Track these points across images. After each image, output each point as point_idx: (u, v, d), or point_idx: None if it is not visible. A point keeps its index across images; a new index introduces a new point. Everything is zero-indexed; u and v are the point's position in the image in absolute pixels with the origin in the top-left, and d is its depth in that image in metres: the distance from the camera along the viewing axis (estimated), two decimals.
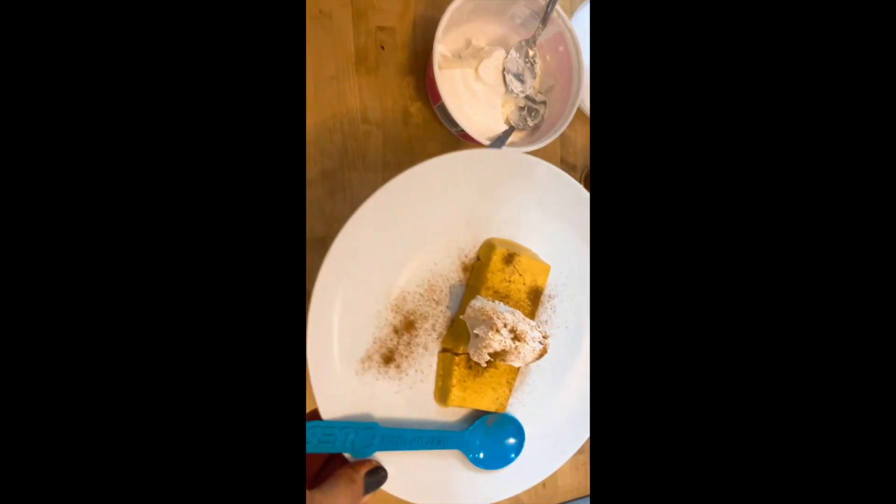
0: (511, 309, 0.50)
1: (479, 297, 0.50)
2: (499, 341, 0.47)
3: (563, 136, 0.76)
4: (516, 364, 0.50)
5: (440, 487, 0.52)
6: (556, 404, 0.58)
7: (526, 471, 0.56)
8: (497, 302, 0.50)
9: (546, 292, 0.58)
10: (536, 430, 0.57)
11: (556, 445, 0.58)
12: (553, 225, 0.57)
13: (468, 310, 0.50)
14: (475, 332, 0.48)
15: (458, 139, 0.71)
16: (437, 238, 0.53)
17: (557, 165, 0.62)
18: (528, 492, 0.60)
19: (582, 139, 0.80)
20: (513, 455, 0.54)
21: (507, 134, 0.68)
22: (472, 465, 0.53)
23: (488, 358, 0.48)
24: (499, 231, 0.56)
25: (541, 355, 0.51)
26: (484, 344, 0.47)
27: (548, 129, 0.70)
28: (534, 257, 0.56)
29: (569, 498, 0.75)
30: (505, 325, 0.48)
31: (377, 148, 0.68)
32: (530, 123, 0.72)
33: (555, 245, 0.58)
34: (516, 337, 0.48)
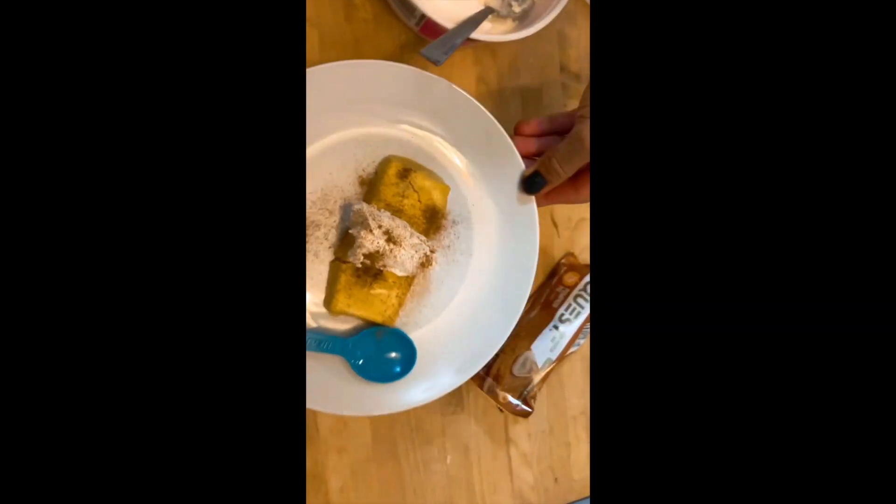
0: (394, 217, 0.51)
1: (363, 202, 0.51)
2: (371, 241, 0.48)
3: (562, 35, 0.60)
4: (398, 272, 0.51)
5: (322, 391, 0.53)
6: (449, 323, 0.58)
7: (419, 389, 0.56)
8: (382, 210, 0.51)
9: (450, 217, 0.58)
10: (434, 350, 0.57)
11: (456, 371, 0.58)
12: (457, 151, 0.58)
13: (351, 213, 0.51)
14: (350, 231, 0.49)
15: (419, 36, 0.57)
16: (334, 146, 0.54)
17: (555, 74, 0.61)
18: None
19: (586, 39, 0.61)
20: (397, 369, 0.55)
21: (481, 16, 0.51)
22: (357, 376, 0.54)
23: (363, 259, 0.49)
24: (401, 149, 0.57)
25: (424, 266, 0.51)
26: (357, 243, 0.49)
27: (537, 18, 0.55)
28: (432, 177, 0.56)
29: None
30: (380, 227, 0.49)
31: (312, 51, 0.55)
32: (516, 9, 0.56)
33: (460, 171, 0.58)
34: (391, 239, 0.49)
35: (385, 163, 0.55)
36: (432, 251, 0.51)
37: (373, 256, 0.49)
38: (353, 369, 0.54)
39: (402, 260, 0.49)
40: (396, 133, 0.56)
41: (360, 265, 0.50)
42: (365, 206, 0.49)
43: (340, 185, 0.55)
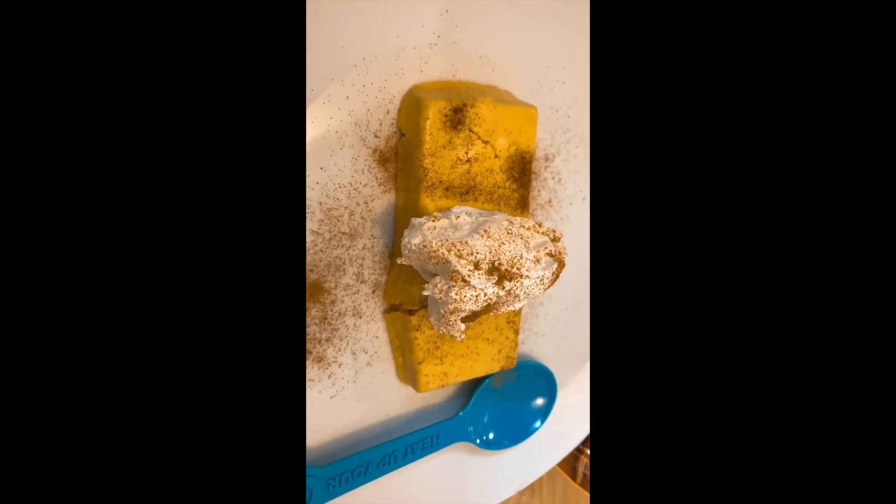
0: (479, 216, 0.26)
1: (413, 221, 0.26)
2: (472, 298, 0.25)
3: None
4: (516, 307, 0.28)
5: (445, 497, 0.34)
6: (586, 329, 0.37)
7: (561, 432, 0.37)
8: (454, 215, 0.26)
9: (538, 154, 0.33)
10: (565, 370, 0.37)
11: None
12: (528, 24, 0.30)
13: (403, 251, 0.26)
14: (427, 291, 0.25)
15: None
16: (310, 107, 0.27)
17: None
18: None
19: None
20: (538, 421, 0.35)
21: None
22: (483, 451, 0.35)
23: (463, 327, 0.26)
24: (426, 69, 0.29)
25: (556, 276, 0.28)
26: (449, 310, 0.25)
27: None
28: (502, 99, 0.30)
29: None
30: (477, 267, 0.24)
31: None
32: None
33: (536, 62, 0.31)
34: (504, 276, 0.25)
35: (413, 110, 0.28)
36: (555, 239, 0.28)
37: (480, 313, 0.26)
38: (481, 447, 0.34)
39: (528, 290, 0.26)
40: (406, 41, 0.28)
41: (461, 336, 0.26)
42: (428, 233, 0.25)
43: (347, 181, 0.29)
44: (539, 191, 0.34)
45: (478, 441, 0.34)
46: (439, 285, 0.24)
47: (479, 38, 0.29)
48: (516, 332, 0.33)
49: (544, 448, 0.37)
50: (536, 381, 0.35)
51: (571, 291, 0.36)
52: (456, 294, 0.24)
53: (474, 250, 0.24)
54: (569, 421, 0.37)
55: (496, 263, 0.25)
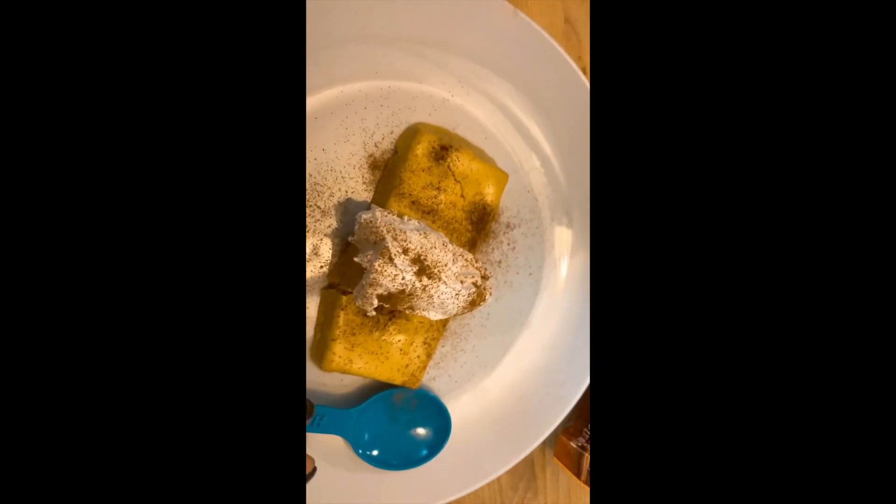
0: (425, 227, 0.31)
1: (373, 206, 0.31)
2: (391, 276, 0.29)
3: None
4: (431, 315, 0.32)
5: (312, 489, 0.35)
6: (501, 386, 0.39)
7: (444, 475, 0.38)
8: (406, 217, 0.31)
9: (502, 218, 0.39)
10: (469, 420, 0.39)
11: (494, 445, 0.39)
12: (525, 118, 0.37)
13: (356, 224, 0.31)
14: (358, 258, 0.30)
15: None
16: (331, 106, 0.34)
17: (560, 24, 0.41)
18: None
19: None
20: (425, 452, 0.37)
21: None
22: (365, 464, 0.36)
23: (376, 303, 0.30)
24: (434, 113, 0.36)
25: (474, 304, 0.32)
26: (369, 280, 0.29)
27: None
28: (483, 158, 0.36)
29: None
30: (405, 252, 0.29)
31: None
32: None
33: (522, 147, 0.38)
34: (424, 271, 0.30)
35: (410, 135, 0.35)
36: (485, 277, 0.32)
37: (394, 298, 0.30)
38: (358, 455, 0.35)
39: (443, 300, 0.30)
40: (428, 88, 0.35)
41: (371, 312, 0.30)
42: (379, 214, 0.30)
43: (339, 168, 0.35)
44: (494, 250, 0.39)
45: (359, 451, 0.35)
46: (369, 256, 0.29)
47: (482, 110, 0.37)
48: (429, 356, 0.36)
49: (426, 485, 0.37)
50: (434, 419, 0.37)
51: (494, 350, 0.39)
52: (379, 266, 0.28)
53: (409, 239, 0.29)
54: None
55: (421, 257, 0.29)
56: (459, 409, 0.38)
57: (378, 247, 0.29)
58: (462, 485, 0.38)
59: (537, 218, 0.40)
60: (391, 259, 0.29)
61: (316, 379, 0.36)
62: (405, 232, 0.29)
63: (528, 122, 0.38)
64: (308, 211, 0.34)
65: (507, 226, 0.39)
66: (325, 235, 0.35)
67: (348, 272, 0.34)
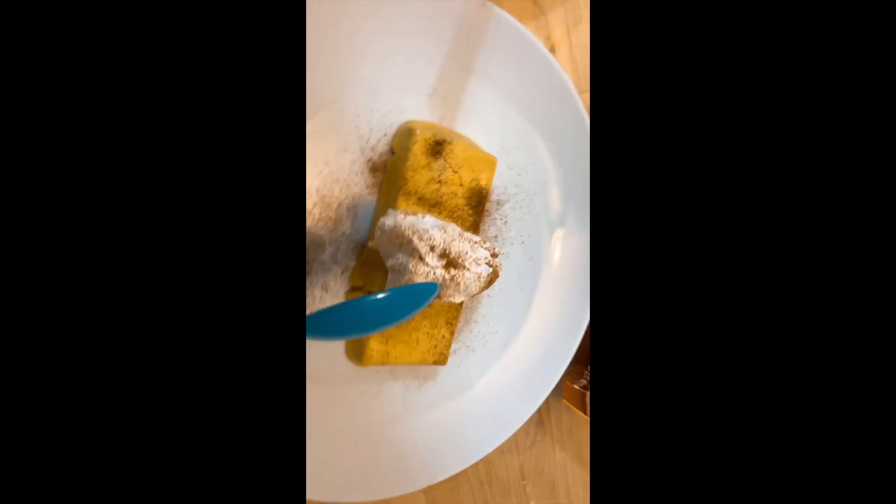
0: (442, 223, 0.34)
1: (391, 210, 0.33)
2: (425, 273, 0.32)
3: None
4: (456, 300, 0.35)
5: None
6: (515, 347, 0.44)
7: (473, 433, 0.43)
8: (421, 215, 0.34)
9: (493, 197, 0.42)
10: (490, 382, 0.43)
11: (515, 399, 0.44)
12: (500, 102, 0.40)
13: (377, 232, 0.33)
14: (390, 263, 0.32)
15: None
16: (328, 121, 0.35)
17: (529, 7, 0.44)
18: None
19: None
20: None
21: None
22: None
23: None
24: (420, 111, 0.38)
25: (491, 282, 0.35)
26: (405, 280, 0.32)
27: None
28: (472, 146, 0.39)
29: None
30: (432, 249, 0.32)
31: None
32: None
33: (502, 130, 0.41)
34: (451, 263, 0.33)
35: (405, 136, 0.36)
36: (494, 255, 0.35)
37: None
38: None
39: (467, 284, 0.33)
40: (412, 85, 0.37)
41: None
42: (405, 220, 0.32)
43: (343, 177, 0.36)
44: (489, 226, 0.42)
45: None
46: (401, 258, 0.31)
47: (464, 99, 0.39)
48: (452, 334, 0.40)
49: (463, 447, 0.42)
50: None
51: (501, 315, 0.44)
52: (413, 266, 0.31)
53: (433, 237, 0.32)
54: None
55: (447, 252, 0.32)
56: (479, 373, 0.42)
57: (406, 248, 0.32)
58: (490, 441, 0.42)
59: (522, 191, 0.43)
60: (422, 258, 0.31)
61: (358, 376, 0.38)
62: (427, 231, 0.32)
63: (507, 106, 0.40)
64: (322, 223, 0.36)
65: (498, 203, 0.42)
66: (341, 243, 0.36)
67: (371, 274, 0.36)
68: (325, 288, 0.36)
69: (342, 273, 0.37)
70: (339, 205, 0.36)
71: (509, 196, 0.43)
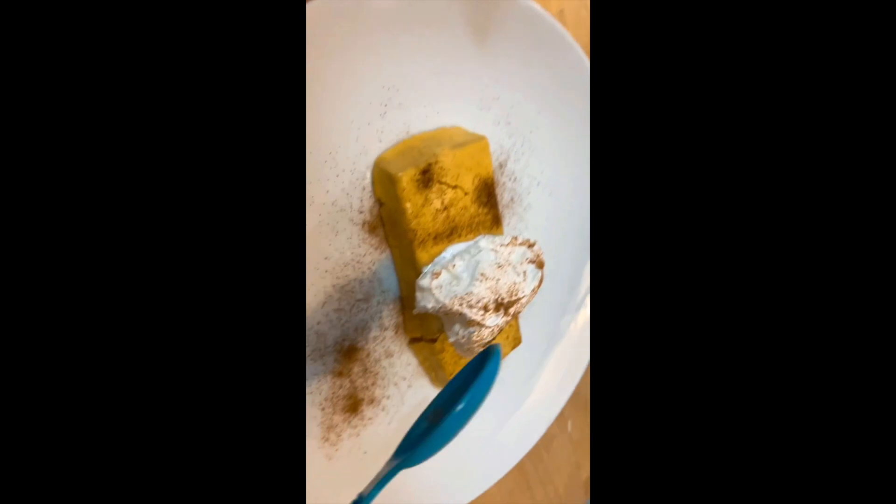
0: (473, 265, 0.31)
1: (420, 283, 0.30)
2: (491, 334, 0.30)
3: None
4: (523, 311, 0.34)
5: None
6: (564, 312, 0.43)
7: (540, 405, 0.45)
8: (452, 266, 0.31)
9: (494, 166, 0.37)
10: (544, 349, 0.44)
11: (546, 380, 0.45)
12: (452, 65, 0.33)
13: (418, 310, 0.31)
14: (451, 338, 0.31)
15: None
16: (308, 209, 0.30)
17: None
18: None
19: None
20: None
21: None
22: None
23: (484, 347, 0.32)
24: (382, 137, 0.32)
25: (542, 279, 0.34)
26: (474, 348, 0.30)
27: None
28: (454, 138, 0.33)
29: None
30: (485, 310, 0.30)
31: None
32: None
33: (470, 90, 0.34)
34: (507, 306, 0.31)
35: (387, 184, 0.31)
36: (530, 245, 0.33)
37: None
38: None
39: (525, 302, 0.32)
40: (359, 117, 0.30)
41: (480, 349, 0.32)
42: (435, 296, 0.29)
43: (349, 257, 0.32)
44: (501, 195, 0.38)
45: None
46: (460, 332, 0.30)
47: (419, 93, 0.32)
48: (515, 317, 0.39)
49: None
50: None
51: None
52: (476, 336, 0.30)
53: (480, 297, 0.29)
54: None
55: (499, 300, 0.30)
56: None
57: (461, 321, 0.30)
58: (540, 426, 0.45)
59: (518, 136, 0.38)
60: (481, 324, 0.30)
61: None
62: (472, 293, 0.29)
63: (459, 66, 0.33)
64: (355, 310, 0.33)
65: (500, 165, 0.38)
66: (380, 311, 0.34)
67: (423, 322, 0.35)
68: (388, 355, 0.36)
69: (395, 333, 0.36)
70: (360, 283, 0.33)
71: (508, 151, 0.38)
